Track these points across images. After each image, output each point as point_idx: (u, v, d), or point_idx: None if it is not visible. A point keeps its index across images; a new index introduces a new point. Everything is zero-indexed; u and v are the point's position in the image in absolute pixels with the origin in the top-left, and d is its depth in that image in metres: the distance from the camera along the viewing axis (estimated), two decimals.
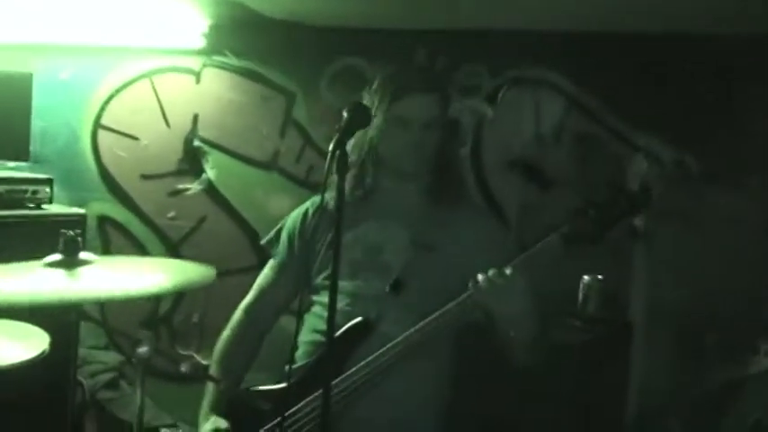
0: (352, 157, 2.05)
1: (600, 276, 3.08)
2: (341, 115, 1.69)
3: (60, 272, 2.00)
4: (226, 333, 2.35)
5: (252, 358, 2.35)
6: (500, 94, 3.44)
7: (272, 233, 2.36)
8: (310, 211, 2.29)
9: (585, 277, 3.09)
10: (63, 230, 2.14)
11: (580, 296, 3.11)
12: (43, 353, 2.28)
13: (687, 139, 3.17)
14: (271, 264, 2.36)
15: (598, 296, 3.09)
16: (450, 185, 2.20)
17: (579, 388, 2.77)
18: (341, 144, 1.62)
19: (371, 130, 2.06)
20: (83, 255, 2.10)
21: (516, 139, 3.43)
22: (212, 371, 2.31)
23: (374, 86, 2.15)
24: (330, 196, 1.99)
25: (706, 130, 3.15)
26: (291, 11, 3.42)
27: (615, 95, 3.28)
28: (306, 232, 2.26)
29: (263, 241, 2.40)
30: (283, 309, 2.36)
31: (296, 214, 2.33)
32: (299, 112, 3.69)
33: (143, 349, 2.08)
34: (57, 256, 2.05)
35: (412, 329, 1.99)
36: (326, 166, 1.61)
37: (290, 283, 2.31)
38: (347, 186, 1.97)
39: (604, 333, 3.03)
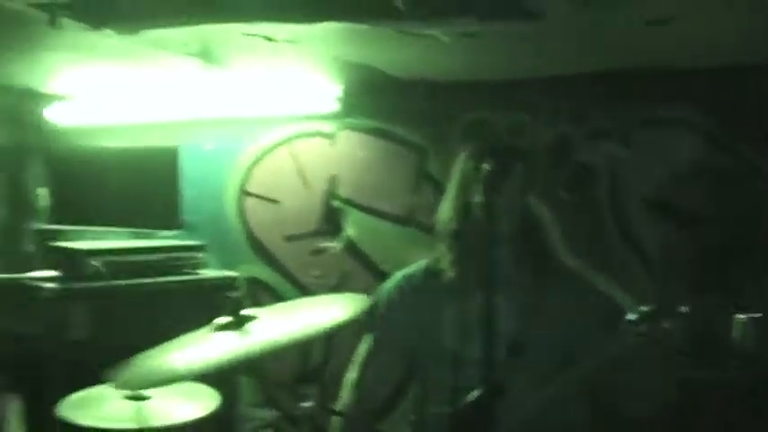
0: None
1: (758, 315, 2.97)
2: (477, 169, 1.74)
3: (231, 333, 2.12)
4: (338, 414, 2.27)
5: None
6: (633, 135, 3.42)
7: (365, 313, 2.23)
8: (405, 286, 2.22)
9: (741, 315, 2.99)
10: (227, 294, 2.29)
11: (735, 334, 3.00)
12: (214, 412, 2.43)
13: None
14: (367, 339, 2.30)
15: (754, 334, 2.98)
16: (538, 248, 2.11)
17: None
18: (491, 193, 1.67)
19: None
20: (246, 312, 2.21)
21: (653, 180, 3.39)
22: None
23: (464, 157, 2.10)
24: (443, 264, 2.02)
25: None
26: (418, 71, 3.53)
27: (753, 128, 3.20)
28: (405, 307, 2.19)
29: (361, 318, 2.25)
30: (386, 385, 2.34)
31: (390, 288, 2.26)
32: (432, 167, 3.78)
33: (307, 404, 2.17)
34: (225, 319, 2.17)
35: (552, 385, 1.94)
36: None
37: (390, 360, 2.25)
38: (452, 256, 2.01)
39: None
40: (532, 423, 1.94)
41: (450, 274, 2.06)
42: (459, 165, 2.07)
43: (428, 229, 3.74)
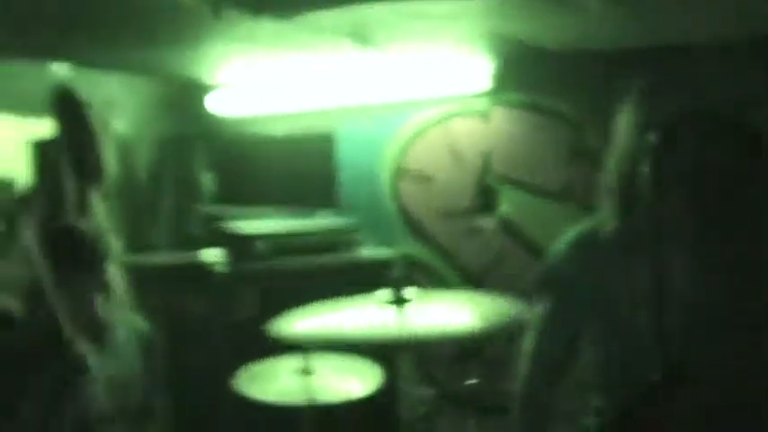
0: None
1: None
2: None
3: (391, 310, 2.14)
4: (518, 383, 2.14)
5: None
6: None
7: (539, 275, 2.17)
8: (578, 245, 2.05)
9: None
10: (387, 271, 2.30)
11: None
12: (379, 388, 2.46)
13: None
14: (542, 303, 2.13)
15: None
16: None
17: None
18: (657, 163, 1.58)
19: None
20: (408, 292, 2.22)
21: None
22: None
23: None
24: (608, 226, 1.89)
25: None
26: (572, 41, 3.43)
27: None
28: (580, 267, 2.03)
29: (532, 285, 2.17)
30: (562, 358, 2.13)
31: (563, 248, 2.09)
32: (589, 140, 3.66)
33: (472, 381, 2.15)
34: (387, 293, 2.18)
35: None
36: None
37: (564, 331, 2.08)
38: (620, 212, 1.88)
39: None
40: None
41: (616, 234, 1.91)
42: (625, 124, 1.92)
43: (586, 205, 3.66)
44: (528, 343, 2.09)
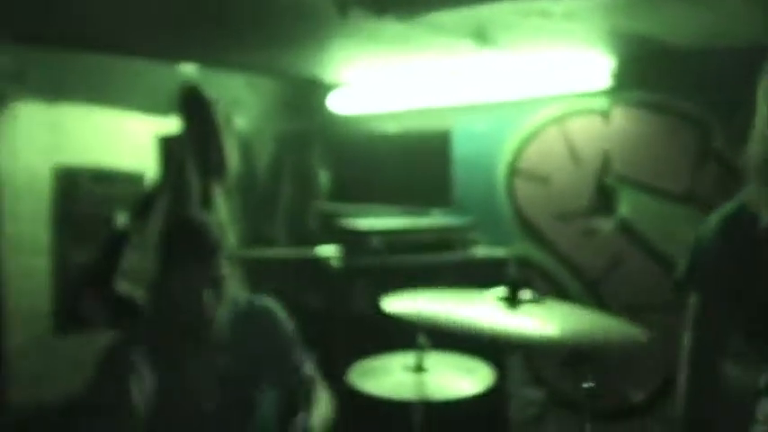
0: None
1: None
2: None
3: (503, 307, 2.13)
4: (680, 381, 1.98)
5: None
6: None
7: (686, 262, 1.94)
8: (726, 229, 1.84)
9: None
10: (504, 271, 2.29)
11: None
12: (490, 387, 2.45)
13: None
14: (693, 301, 1.95)
15: None
16: None
17: None
18: None
19: None
20: (524, 293, 2.21)
21: None
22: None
23: None
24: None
25: None
26: (702, 37, 3.30)
27: None
28: (731, 254, 1.82)
29: (678, 275, 1.99)
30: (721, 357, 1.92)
31: (709, 235, 1.87)
32: (717, 142, 3.52)
33: (589, 384, 2.11)
34: (501, 291, 2.17)
35: None
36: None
37: (719, 324, 1.88)
38: None
39: None
40: None
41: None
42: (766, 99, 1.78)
43: (711, 208, 3.51)
44: (685, 342, 1.92)
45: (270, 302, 2.39)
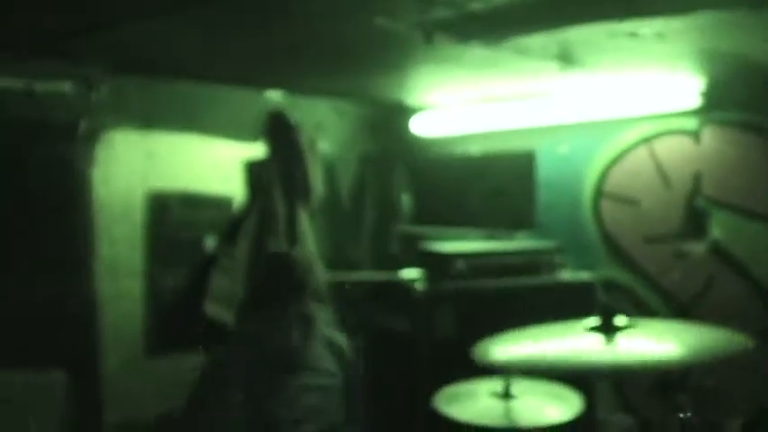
0: None
1: None
2: None
3: (599, 337, 2.08)
4: None
5: None
6: None
7: None
8: None
9: None
10: (597, 297, 2.24)
11: None
12: (578, 416, 2.41)
13: None
14: None
15: None
16: None
17: None
18: None
19: None
20: (618, 320, 2.15)
21: None
22: None
23: None
24: None
25: None
26: None
27: None
28: None
29: None
30: None
31: None
32: None
33: (686, 415, 2.05)
34: (594, 320, 2.13)
35: None
36: None
37: None
38: None
39: None
40: None
41: None
42: None
43: None
44: None
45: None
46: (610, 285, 3.95)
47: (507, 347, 2.16)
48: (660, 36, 2.79)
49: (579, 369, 2.00)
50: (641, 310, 3.87)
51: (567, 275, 3.61)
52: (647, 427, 3.64)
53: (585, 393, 2.59)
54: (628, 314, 3.52)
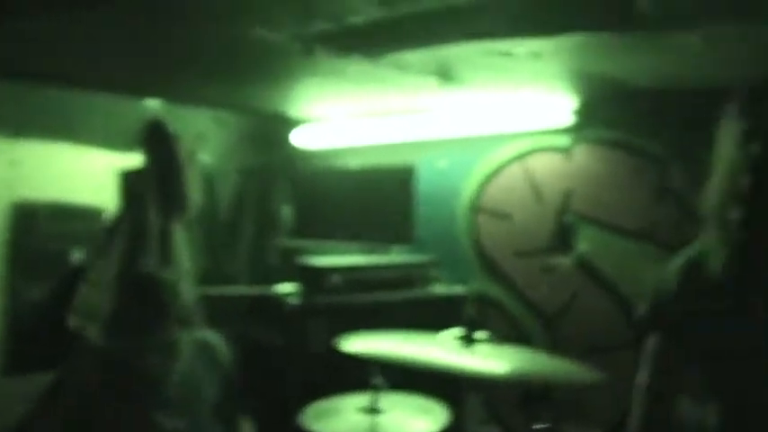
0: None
1: None
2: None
3: (458, 346, 2.15)
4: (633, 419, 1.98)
5: None
6: None
7: (647, 305, 1.96)
8: (683, 274, 1.84)
9: None
10: (463, 309, 2.30)
11: None
12: (445, 428, 2.43)
13: None
14: (651, 341, 1.95)
15: None
16: None
17: None
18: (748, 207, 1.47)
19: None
20: (479, 334, 2.23)
21: None
22: None
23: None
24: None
25: None
26: (661, 78, 3.35)
27: None
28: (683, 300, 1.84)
29: (638, 316, 1.99)
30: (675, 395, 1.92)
31: (668, 276, 1.89)
32: (675, 180, 3.56)
33: (541, 426, 2.11)
34: (458, 331, 2.20)
35: None
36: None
37: (675, 364, 1.87)
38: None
39: None
40: None
41: (720, 271, 1.67)
42: (727, 141, 1.73)
43: (669, 246, 3.55)
44: (640, 380, 1.94)
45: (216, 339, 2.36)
46: (481, 298, 4.04)
47: (371, 342, 2.22)
48: (534, 56, 2.87)
49: (434, 370, 2.06)
50: (510, 321, 3.97)
51: (441, 289, 3.66)
52: None
53: (454, 406, 2.63)
54: (495, 325, 3.61)
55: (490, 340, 2.20)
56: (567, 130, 3.83)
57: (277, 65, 3.17)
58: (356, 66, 3.03)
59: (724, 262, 1.67)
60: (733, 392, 1.71)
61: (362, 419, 2.43)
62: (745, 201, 1.51)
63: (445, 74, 3.22)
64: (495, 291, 4.06)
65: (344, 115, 4.33)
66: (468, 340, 2.22)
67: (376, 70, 3.12)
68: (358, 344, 2.33)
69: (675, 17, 2.36)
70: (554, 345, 3.81)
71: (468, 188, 4.16)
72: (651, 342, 1.92)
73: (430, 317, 2.78)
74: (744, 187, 1.55)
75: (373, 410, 2.46)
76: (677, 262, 1.88)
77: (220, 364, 2.33)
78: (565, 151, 3.88)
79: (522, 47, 2.75)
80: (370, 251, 4.12)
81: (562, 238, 3.85)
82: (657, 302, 1.91)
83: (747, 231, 1.48)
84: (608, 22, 2.45)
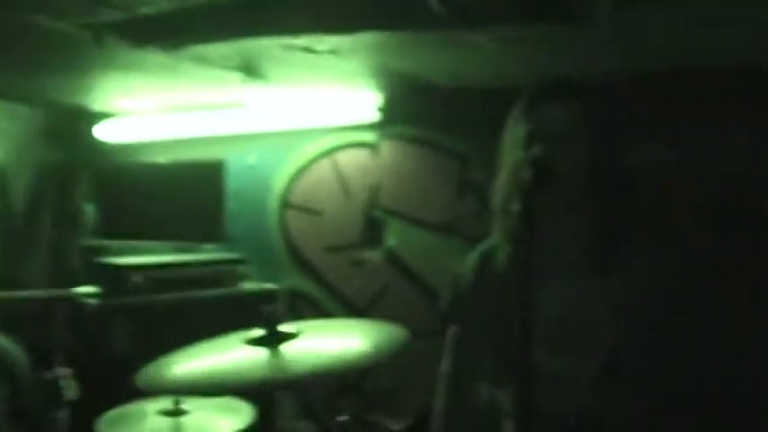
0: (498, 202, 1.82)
1: None
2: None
3: (263, 349, 2.10)
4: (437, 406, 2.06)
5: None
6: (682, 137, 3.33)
7: (447, 296, 2.06)
8: (480, 264, 1.95)
9: None
10: (262, 307, 2.26)
11: None
12: (250, 426, 2.41)
13: None
14: (451, 331, 2.06)
15: None
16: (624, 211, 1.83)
17: None
18: (526, 203, 1.56)
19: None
20: (283, 328, 2.19)
21: (701, 182, 3.30)
22: None
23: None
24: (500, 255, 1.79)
25: None
26: (461, 78, 3.49)
27: None
28: (479, 290, 1.94)
29: (441, 307, 2.08)
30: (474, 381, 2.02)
31: (465, 268, 1.99)
32: (474, 175, 3.72)
33: (342, 418, 2.13)
34: (258, 332, 2.15)
35: None
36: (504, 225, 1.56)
37: (473, 352, 1.97)
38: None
39: None
40: None
41: (509, 261, 1.75)
42: (510, 140, 1.82)
43: (471, 239, 3.70)
44: (443, 368, 2.02)
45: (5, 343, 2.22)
46: (293, 294, 4.04)
47: (174, 367, 2.11)
48: (335, 53, 2.89)
49: (241, 384, 1.99)
50: (323, 317, 3.99)
51: (251, 286, 3.62)
52: None
53: (265, 402, 2.61)
54: (306, 321, 3.59)
55: (294, 335, 2.18)
56: (373, 127, 3.90)
57: (68, 55, 3.00)
58: (153, 58, 2.93)
59: (507, 254, 1.77)
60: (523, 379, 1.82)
61: (164, 423, 2.37)
62: (527, 197, 1.59)
63: (248, 69, 3.19)
64: (307, 286, 4.08)
65: (151, 109, 4.18)
66: (272, 338, 2.17)
67: (175, 63, 3.03)
68: (160, 371, 2.11)
69: (466, 18, 2.46)
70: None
71: (278, 184, 4.14)
72: (451, 332, 2.02)
73: (240, 314, 2.73)
74: (525, 184, 1.64)
75: (176, 412, 2.40)
76: (473, 255, 1.98)
77: (10, 367, 2.20)
78: (372, 147, 3.95)
79: (322, 43, 2.77)
80: (180, 250, 4.01)
81: (371, 232, 3.93)
82: (455, 294, 2.01)
83: (526, 226, 1.56)
84: (403, 21, 2.52)
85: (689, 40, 2.76)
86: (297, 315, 4.05)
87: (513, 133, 1.80)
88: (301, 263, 4.09)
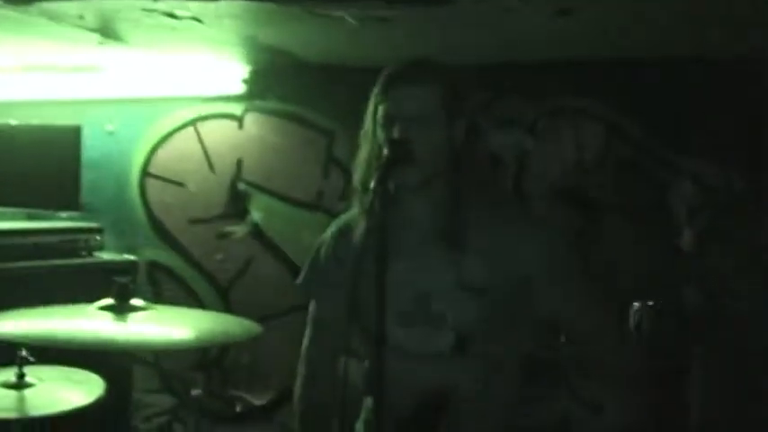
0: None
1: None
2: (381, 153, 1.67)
3: (110, 317, 2.08)
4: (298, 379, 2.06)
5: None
6: (540, 125, 3.46)
7: (305, 270, 2.04)
8: (338, 239, 1.97)
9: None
10: (115, 278, 2.22)
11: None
12: (99, 398, 2.35)
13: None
14: (311, 305, 2.06)
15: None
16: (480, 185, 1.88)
17: None
18: (384, 181, 1.60)
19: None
20: (134, 301, 2.17)
21: (559, 169, 3.44)
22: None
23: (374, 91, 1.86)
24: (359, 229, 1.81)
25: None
26: (328, 54, 3.49)
27: (652, 118, 3.31)
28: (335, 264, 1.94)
29: (299, 281, 2.06)
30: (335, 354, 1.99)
31: (322, 242, 2.00)
32: (341, 152, 3.73)
33: (196, 392, 2.12)
34: (108, 301, 2.13)
35: None
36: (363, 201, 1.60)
37: (334, 326, 1.95)
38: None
39: None
40: None
41: (367, 235, 1.71)
42: (371, 119, 1.85)
43: (337, 215, 3.72)
44: (304, 344, 2.03)
45: None
46: (153, 266, 3.94)
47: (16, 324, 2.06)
48: (197, 20, 2.83)
49: (84, 344, 1.99)
50: (185, 290, 3.93)
51: (105, 257, 3.50)
52: (186, 406, 3.70)
53: (117, 376, 2.54)
54: (170, 295, 3.53)
55: (145, 307, 2.15)
56: (238, 99, 3.84)
57: None
58: (2, 11, 2.76)
59: (364, 230, 1.76)
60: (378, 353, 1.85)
61: (6, 394, 2.27)
62: (383, 175, 1.62)
63: (106, 30, 3.07)
64: (168, 258, 3.98)
65: (1, 68, 3.93)
66: (121, 309, 2.15)
67: (28, 18, 2.87)
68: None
69: None
70: (229, 311, 3.82)
71: (138, 153, 4.00)
72: (311, 307, 2.03)
73: (95, 285, 2.65)
74: (382, 162, 1.67)
75: (20, 385, 2.30)
76: (332, 228, 2.01)
77: None
78: (237, 119, 3.89)
79: (183, 9, 2.70)
80: (32, 217, 3.81)
81: (236, 205, 3.88)
82: (313, 265, 2.01)
83: (382, 203, 1.60)
84: None
85: (551, 29, 2.86)
86: (156, 288, 3.95)
87: (374, 112, 1.84)
88: (163, 235, 3.98)
